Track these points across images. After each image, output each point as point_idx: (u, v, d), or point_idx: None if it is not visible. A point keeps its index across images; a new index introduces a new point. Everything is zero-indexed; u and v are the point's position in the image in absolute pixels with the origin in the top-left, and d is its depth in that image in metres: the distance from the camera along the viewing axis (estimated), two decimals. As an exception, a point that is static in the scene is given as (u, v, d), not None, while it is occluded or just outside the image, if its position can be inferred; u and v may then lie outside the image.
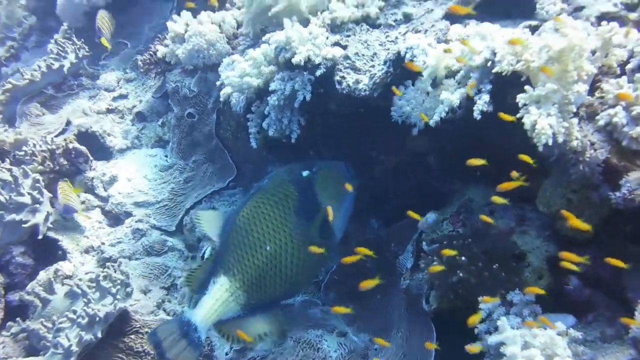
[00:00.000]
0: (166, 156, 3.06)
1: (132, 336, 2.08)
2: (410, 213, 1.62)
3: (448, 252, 1.54)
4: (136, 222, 2.66)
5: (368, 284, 1.64)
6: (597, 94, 1.46)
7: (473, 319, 1.41)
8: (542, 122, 1.29)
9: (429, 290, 1.73)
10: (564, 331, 1.21)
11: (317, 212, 1.96)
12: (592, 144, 1.35)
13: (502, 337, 1.20)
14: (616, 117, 1.33)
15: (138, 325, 2.09)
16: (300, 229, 1.93)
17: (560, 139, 1.32)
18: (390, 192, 2.44)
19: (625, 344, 1.31)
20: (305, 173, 2.04)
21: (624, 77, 1.39)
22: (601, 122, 1.36)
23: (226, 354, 2.14)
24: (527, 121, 1.33)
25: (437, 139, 1.95)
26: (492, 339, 1.22)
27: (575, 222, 1.32)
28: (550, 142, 1.31)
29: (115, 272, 2.07)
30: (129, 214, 2.73)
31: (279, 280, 1.89)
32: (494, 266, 1.55)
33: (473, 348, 1.43)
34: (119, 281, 2.06)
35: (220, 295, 1.85)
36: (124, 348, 2.06)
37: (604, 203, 1.41)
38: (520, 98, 1.37)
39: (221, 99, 2.05)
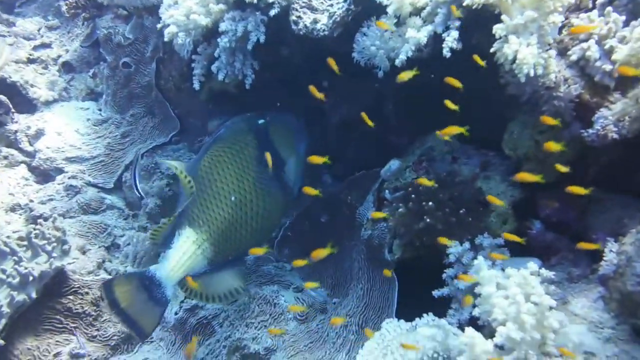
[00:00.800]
0: (100, 109, 2.82)
1: (71, 297, 1.91)
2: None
3: (424, 181, 1.47)
4: (69, 178, 2.44)
5: (320, 254, 1.55)
6: (565, 31, 1.42)
7: (463, 277, 1.36)
8: (524, 52, 1.24)
9: (392, 240, 1.67)
10: (536, 271, 1.18)
11: (276, 161, 1.87)
12: (566, 79, 1.31)
13: (479, 278, 1.16)
14: (589, 51, 1.29)
15: (77, 286, 1.93)
16: (262, 178, 1.84)
17: (540, 71, 1.27)
18: (344, 147, 2.37)
19: (593, 282, 1.31)
20: (261, 122, 1.93)
21: (595, 11, 1.35)
22: (573, 57, 1.32)
23: (175, 313, 2.02)
24: (507, 51, 1.26)
25: (397, 86, 1.87)
26: (467, 279, 1.18)
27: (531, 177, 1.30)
28: (532, 73, 1.26)
29: (49, 229, 1.88)
30: (60, 170, 2.50)
31: (245, 231, 1.79)
32: (461, 211, 1.51)
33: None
34: (54, 238, 1.87)
35: (187, 248, 1.72)
36: (61, 309, 1.90)
37: (574, 141, 1.39)
38: (497, 29, 1.30)
39: (165, 39, 1.86)
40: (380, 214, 1.61)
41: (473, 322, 1.38)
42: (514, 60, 1.27)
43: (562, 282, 1.37)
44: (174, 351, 1.99)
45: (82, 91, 2.92)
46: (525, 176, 1.37)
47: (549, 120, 1.34)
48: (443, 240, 1.45)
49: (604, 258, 1.25)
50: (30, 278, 1.73)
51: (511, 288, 1.08)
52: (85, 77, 2.94)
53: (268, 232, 2.00)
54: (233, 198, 1.78)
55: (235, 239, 1.78)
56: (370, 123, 1.53)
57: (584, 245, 1.31)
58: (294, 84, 2.26)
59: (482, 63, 1.42)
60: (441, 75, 1.55)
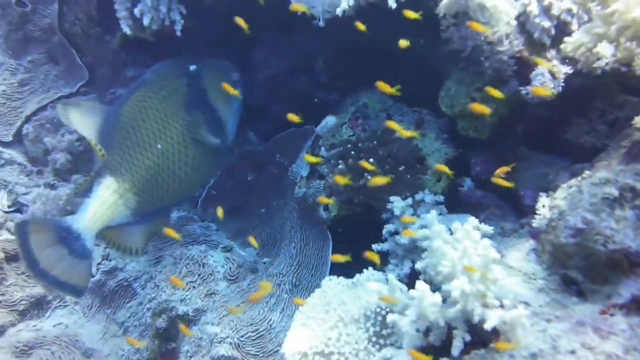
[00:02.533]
0: (-10, 54, 2.50)
1: (-32, 258, 1.73)
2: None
3: (365, 163, 1.46)
4: (-42, 130, 2.17)
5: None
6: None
7: (405, 219, 1.37)
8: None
9: (328, 197, 1.65)
10: (476, 226, 1.21)
11: (207, 109, 1.78)
12: (507, 35, 1.33)
13: (429, 232, 1.17)
14: (530, 7, 1.32)
15: (-23, 246, 1.74)
16: (192, 126, 1.73)
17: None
18: (269, 103, 2.29)
19: (524, 236, 1.38)
20: (192, 67, 1.80)
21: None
22: (514, 12, 1.34)
23: (92, 276, 1.89)
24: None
25: (328, 39, 1.82)
26: (418, 233, 1.19)
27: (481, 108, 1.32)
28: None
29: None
30: (-54, 122, 2.22)
31: (172, 182, 1.68)
32: (400, 168, 1.52)
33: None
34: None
35: (107, 197, 1.59)
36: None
37: (512, 99, 1.42)
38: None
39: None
40: (316, 159, 1.57)
41: (413, 276, 1.42)
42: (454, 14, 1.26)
43: (495, 236, 1.42)
44: (91, 315, 1.87)
45: None
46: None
47: (495, 93, 1.36)
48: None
49: (537, 212, 1.30)
50: None
51: (463, 241, 1.10)
52: (-32, 16, 2.59)
53: (198, 184, 1.91)
54: (159, 146, 1.67)
55: (161, 189, 1.67)
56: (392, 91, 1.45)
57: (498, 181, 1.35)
58: (217, 35, 2.13)
59: (417, 16, 1.39)
60: (377, 28, 1.52)
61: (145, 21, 1.72)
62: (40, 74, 2.42)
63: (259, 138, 2.37)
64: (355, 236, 1.68)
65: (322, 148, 1.68)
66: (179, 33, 1.77)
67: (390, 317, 1.15)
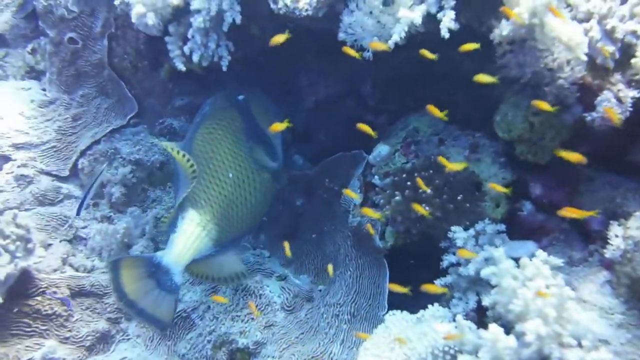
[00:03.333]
0: (44, 89, 2.58)
1: (38, 298, 1.77)
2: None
3: (421, 182, 1.43)
4: (19, 167, 2.24)
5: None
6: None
7: (463, 252, 1.34)
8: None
9: (384, 227, 1.63)
10: (545, 259, 1.17)
11: (262, 135, 1.82)
12: (568, 61, 1.29)
13: (496, 269, 1.14)
14: (592, 32, 1.27)
15: (44, 285, 1.78)
16: (254, 152, 1.79)
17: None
18: (315, 126, 2.29)
19: (594, 266, 1.33)
20: (241, 97, 1.88)
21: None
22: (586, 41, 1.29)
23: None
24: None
25: (381, 65, 1.80)
26: (486, 271, 1.16)
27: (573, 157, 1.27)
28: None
29: (9, 225, 1.70)
30: (7, 158, 2.29)
31: (245, 209, 1.72)
32: (459, 197, 1.48)
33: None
34: (15, 236, 1.70)
35: (192, 231, 1.62)
36: (29, 312, 1.76)
37: (573, 124, 1.38)
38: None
39: (133, 20, 1.70)
40: (375, 214, 1.56)
41: (480, 311, 1.38)
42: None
43: (563, 266, 1.37)
44: (152, 347, 1.89)
45: (20, 69, 2.68)
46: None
47: (544, 106, 1.31)
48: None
49: (610, 242, 1.25)
50: (-5, 280, 1.57)
51: (536, 280, 1.06)
52: (23, 53, 2.69)
53: (265, 209, 1.93)
54: (231, 175, 1.71)
55: (236, 217, 1.71)
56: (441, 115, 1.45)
57: (570, 213, 1.28)
58: (263, 64, 2.15)
59: (476, 46, 1.37)
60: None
61: (195, 58, 1.74)
62: (92, 107, 2.48)
63: (305, 161, 2.38)
64: (411, 265, 1.66)
65: (376, 177, 1.65)
66: (225, 68, 1.79)
67: (461, 359, 1.12)
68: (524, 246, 1.47)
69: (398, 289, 1.44)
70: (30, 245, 1.73)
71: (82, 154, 2.33)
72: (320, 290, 1.87)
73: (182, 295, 1.95)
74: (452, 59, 1.51)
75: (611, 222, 1.29)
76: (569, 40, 1.22)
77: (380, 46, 1.45)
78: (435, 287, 1.39)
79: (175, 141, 2.20)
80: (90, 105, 2.49)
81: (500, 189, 1.44)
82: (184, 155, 1.59)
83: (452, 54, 1.44)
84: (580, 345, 1.06)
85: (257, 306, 1.78)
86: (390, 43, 1.46)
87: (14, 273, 1.66)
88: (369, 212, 1.49)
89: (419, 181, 1.43)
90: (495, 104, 1.58)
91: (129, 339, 1.90)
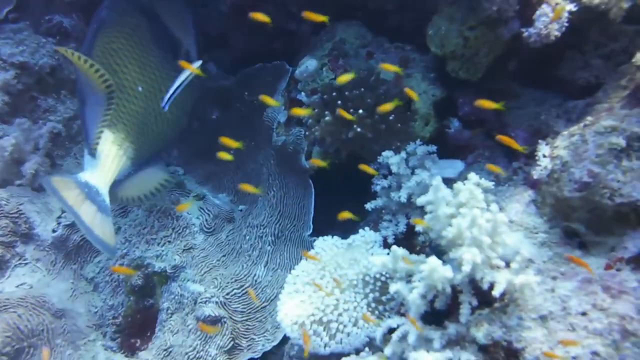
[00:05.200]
0: None
1: None
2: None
3: (344, 78, 1.32)
4: None
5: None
6: None
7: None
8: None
9: (312, 147, 1.54)
10: (477, 182, 1.15)
11: (171, 39, 1.68)
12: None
13: (432, 197, 1.10)
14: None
15: None
16: (164, 60, 1.62)
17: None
18: (231, 32, 2.08)
19: (519, 185, 1.33)
20: None
21: None
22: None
23: (53, 230, 1.75)
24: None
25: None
26: (422, 200, 1.11)
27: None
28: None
29: None
30: None
31: (159, 122, 1.59)
32: (391, 117, 1.41)
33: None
34: None
35: (109, 151, 1.47)
36: None
37: (508, 40, 1.32)
38: None
39: None
40: (304, 111, 1.44)
41: (409, 232, 1.37)
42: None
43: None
44: (55, 272, 1.75)
45: None
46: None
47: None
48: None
49: (538, 162, 1.25)
50: None
51: (473, 210, 1.04)
52: None
53: (180, 122, 1.80)
54: (140, 88, 1.56)
55: (150, 132, 1.59)
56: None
57: (504, 140, 1.26)
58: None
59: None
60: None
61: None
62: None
63: (219, 70, 2.19)
64: (336, 186, 1.60)
65: (303, 93, 1.54)
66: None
67: (393, 287, 1.10)
68: (453, 165, 1.45)
69: (346, 215, 1.35)
70: None
71: (-44, 60, 1.98)
72: (241, 211, 1.78)
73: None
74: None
75: (540, 141, 1.29)
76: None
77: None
78: (349, 214, 1.33)
79: (68, 46, 1.94)
80: (-46, -5, 2.09)
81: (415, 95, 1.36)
82: (94, 67, 1.39)
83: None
84: (508, 266, 1.08)
85: (174, 229, 1.67)
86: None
87: None
88: (299, 111, 1.38)
89: (342, 112, 1.32)
90: (427, 15, 1.49)
91: (27, 264, 1.74)
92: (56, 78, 1.99)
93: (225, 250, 1.66)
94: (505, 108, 1.25)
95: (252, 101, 1.88)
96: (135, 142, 1.54)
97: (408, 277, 1.12)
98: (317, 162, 1.45)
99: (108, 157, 1.48)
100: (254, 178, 1.81)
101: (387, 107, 1.28)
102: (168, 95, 1.41)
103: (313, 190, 1.62)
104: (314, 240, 1.60)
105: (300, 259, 1.60)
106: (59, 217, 1.82)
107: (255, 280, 1.57)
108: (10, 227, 1.72)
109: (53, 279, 1.76)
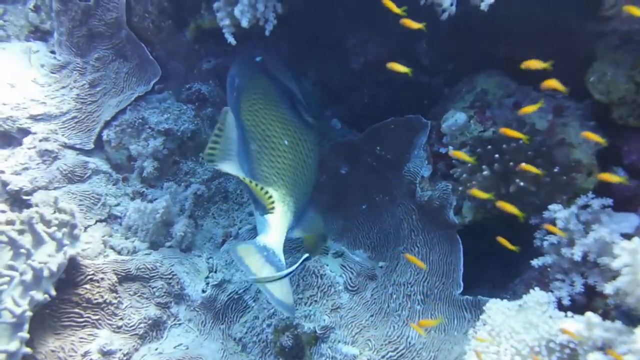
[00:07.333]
0: (52, 52, 2.37)
1: (87, 286, 1.64)
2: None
3: (511, 132, 1.28)
4: (40, 141, 2.06)
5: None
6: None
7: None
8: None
9: (461, 201, 1.50)
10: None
11: (290, 94, 1.76)
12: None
13: (629, 260, 1.02)
14: None
15: (91, 272, 1.65)
16: (292, 110, 1.71)
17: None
18: (359, 89, 2.11)
19: None
20: (258, 59, 1.80)
21: None
22: None
23: (202, 291, 1.81)
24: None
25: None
26: (617, 263, 1.03)
27: None
28: None
29: (48, 207, 1.56)
30: (26, 132, 2.11)
31: (306, 171, 1.65)
32: (555, 170, 1.35)
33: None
34: (57, 221, 1.55)
35: (276, 210, 1.53)
36: (79, 302, 1.64)
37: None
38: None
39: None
40: (470, 159, 1.39)
41: (588, 293, 1.27)
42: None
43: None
44: (206, 332, 1.79)
45: (23, 28, 2.49)
46: None
47: None
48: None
49: None
50: (46, 272, 1.43)
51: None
52: (24, 10, 2.48)
53: (318, 163, 1.84)
54: (286, 142, 1.63)
55: (301, 182, 1.64)
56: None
57: None
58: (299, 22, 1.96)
59: None
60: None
61: (244, 22, 1.54)
62: (111, 72, 2.28)
63: (343, 125, 2.22)
64: (486, 243, 1.54)
65: (450, 147, 1.51)
66: (268, 33, 1.60)
67: (592, 357, 1.01)
68: (627, 219, 1.35)
69: (506, 244, 1.28)
70: (76, 232, 1.59)
71: (107, 124, 2.15)
72: (381, 267, 1.75)
73: (231, 276, 1.84)
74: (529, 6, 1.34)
75: None
76: None
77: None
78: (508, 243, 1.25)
79: (206, 111, 2.09)
80: (108, 69, 2.29)
81: (598, 139, 1.27)
82: (261, 189, 1.49)
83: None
84: None
85: (319, 287, 1.67)
86: (484, 6, 1.28)
87: (63, 263, 1.52)
88: (479, 193, 1.33)
89: (527, 167, 1.27)
90: (574, 60, 1.43)
91: (180, 324, 1.79)
92: (195, 141, 2.11)
93: (372, 309, 1.63)
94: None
95: (385, 155, 1.87)
96: (294, 194, 1.58)
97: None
98: (480, 194, 1.37)
99: (276, 215, 1.52)
100: (392, 234, 1.78)
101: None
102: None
103: (461, 245, 1.56)
104: (466, 299, 1.55)
105: (454, 319, 1.54)
106: (207, 277, 1.87)
107: (409, 342, 1.52)
108: (165, 288, 1.79)
109: (205, 339, 1.78)
